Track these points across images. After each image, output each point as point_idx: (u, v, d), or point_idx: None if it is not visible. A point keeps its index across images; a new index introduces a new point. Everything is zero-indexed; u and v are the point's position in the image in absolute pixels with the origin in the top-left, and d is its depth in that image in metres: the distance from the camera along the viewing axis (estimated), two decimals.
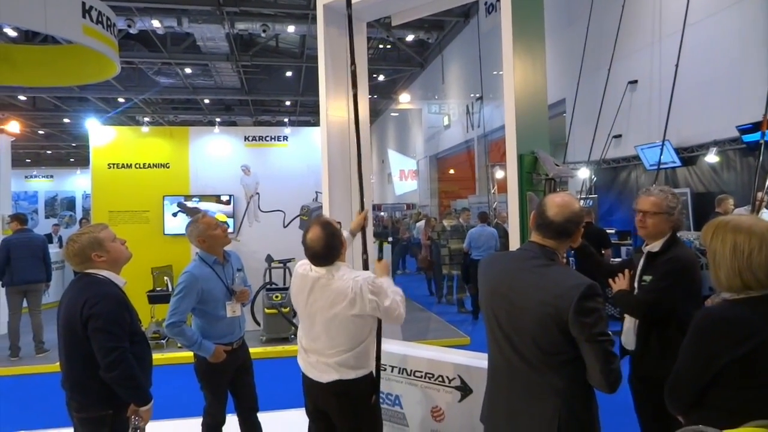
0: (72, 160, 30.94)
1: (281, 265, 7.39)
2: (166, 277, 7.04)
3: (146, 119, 22.58)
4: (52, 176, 17.15)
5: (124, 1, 12.42)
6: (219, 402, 3.24)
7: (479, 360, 3.08)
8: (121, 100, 20.52)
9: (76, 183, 16.86)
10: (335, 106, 3.69)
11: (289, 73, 19.91)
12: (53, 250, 8.98)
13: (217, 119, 22.22)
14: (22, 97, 19.86)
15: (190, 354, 3.23)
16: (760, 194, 6.08)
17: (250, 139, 8.23)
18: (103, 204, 7.70)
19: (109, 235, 2.53)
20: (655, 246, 2.58)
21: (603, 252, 6.43)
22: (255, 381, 3.42)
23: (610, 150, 9.82)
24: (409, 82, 21.77)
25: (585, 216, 2.06)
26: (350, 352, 2.44)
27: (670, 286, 2.44)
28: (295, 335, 6.63)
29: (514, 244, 2.83)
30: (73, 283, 2.52)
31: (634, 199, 2.80)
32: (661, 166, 8.41)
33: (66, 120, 23.16)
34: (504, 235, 8.44)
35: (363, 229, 3.12)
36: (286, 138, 8.29)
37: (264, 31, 14.39)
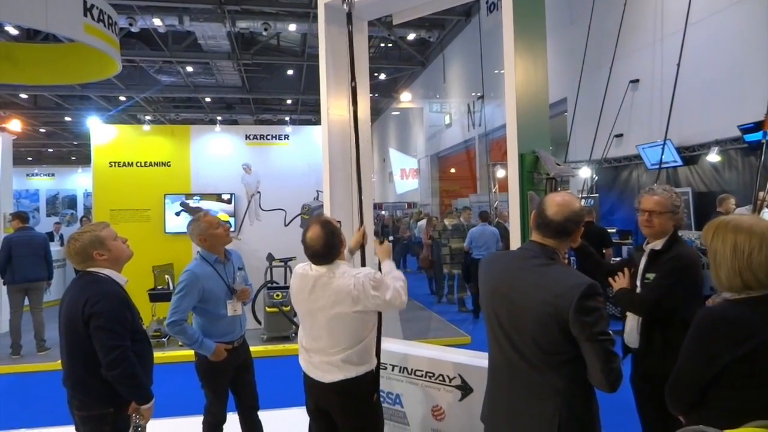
0: (73, 158, 30.98)
1: (282, 263, 7.40)
2: (167, 276, 7.05)
3: (147, 118, 22.68)
4: (53, 174, 17.14)
5: None
6: (220, 400, 3.25)
7: (480, 359, 3.07)
8: (122, 98, 20.54)
9: (78, 181, 16.86)
10: (336, 104, 3.68)
11: (290, 72, 19.91)
12: (54, 248, 8.98)
13: (219, 118, 22.24)
14: (23, 96, 19.88)
15: (191, 352, 3.23)
16: (761, 194, 6.07)
17: (251, 137, 8.24)
18: (105, 202, 7.71)
19: (110, 234, 2.53)
20: (657, 244, 2.59)
21: (604, 251, 6.42)
22: (256, 379, 3.42)
23: (612, 149, 9.81)
24: (410, 80, 21.76)
25: (585, 215, 2.06)
26: (353, 349, 2.45)
27: (674, 284, 2.46)
28: (296, 334, 6.64)
29: (515, 243, 2.82)
30: (75, 281, 2.53)
31: (635, 198, 2.80)
32: (663, 166, 8.40)
33: (67, 118, 23.18)
34: (505, 234, 8.44)
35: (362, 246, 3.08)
36: (287, 137, 8.29)
37: (265, 29, 14.39)
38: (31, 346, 6.73)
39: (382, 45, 18.43)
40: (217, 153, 8.11)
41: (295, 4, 14.20)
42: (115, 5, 7.22)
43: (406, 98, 20.73)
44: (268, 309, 6.99)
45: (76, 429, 2.51)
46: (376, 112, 26.33)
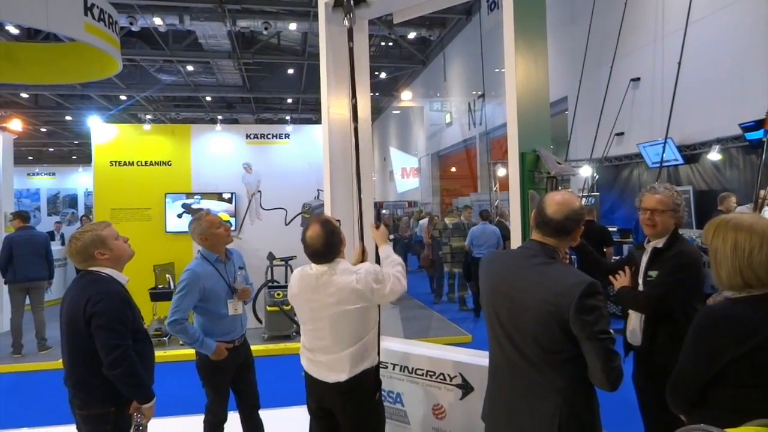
0: (74, 157, 30.98)
1: (283, 262, 7.40)
2: (168, 275, 7.06)
3: (148, 117, 22.73)
4: (54, 174, 17.17)
5: None
6: (221, 399, 3.25)
7: (480, 358, 3.07)
8: (123, 97, 20.53)
9: (78, 180, 16.88)
10: (337, 104, 3.68)
11: (290, 71, 19.90)
12: (55, 247, 8.99)
13: (219, 117, 22.25)
14: (24, 95, 19.89)
15: (192, 351, 3.23)
16: (762, 192, 6.06)
17: (252, 136, 8.24)
18: (105, 201, 7.72)
19: (111, 233, 2.54)
20: (659, 242, 2.60)
21: (605, 250, 6.42)
22: (257, 378, 3.43)
23: (613, 148, 9.80)
24: (410, 79, 21.74)
25: (586, 214, 2.06)
26: (357, 345, 2.46)
27: (677, 281, 2.47)
28: (297, 333, 6.65)
29: (516, 242, 2.82)
30: (76, 280, 2.53)
31: (636, 197, 2.80)
32: (664, 164, 8.40)
33: (68, 117, 23.19)
34: (506, 233, 8.43)
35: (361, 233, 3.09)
36: (287, 136, 8.29)
37: (266, 28, 14.39)
38: (32, 345, 6.74)
39: (383, 44, 18.42)
40: (218, 152, 8.12)
41: (295, 3, 14.19)
42: (116, 4, 7.21)
43: (406, 97, 20.71)
44: (268, 308, 7.00)
45: (78, 428, 2.51)
46: (377, 110, 26.32)
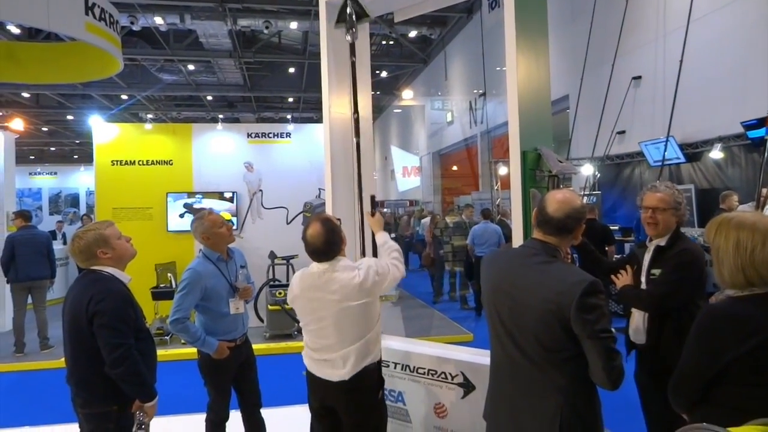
0: (76, 156, 31.02)
1: (284, 261, 7.40)
2: (169, 274, 7.06)
3: (149, 116, 22.76)
4: (55, 173, 17.18)
5: None
6: (222, 398, 3.25)
7: (482, 357, 3.08)
8: (124, 97, 20.54)
9: (80, 180, 16.89)
10: (338, 102, 3.68)
11: (291, 70, 19.90)
12: (57, 246, 9.01)
13: (220, 116, 22.28)
14: (25, 95, 19.92)
15: (194, 350, 3.24)
16: (764, 190, 6.04)
17: (253, 135, 8.24)
18: (107, 201, 7.73)
19: (114, 233, 2.54)
20: (662, 240, 2.61)
21: (606, 249, 6.42)
22: (258, 377, 3.43)
23: (614, 146, 9.79)
24: (411, 78, 21.73)
25: (587, 212, 2.06)
26: (361, 341, 2.47)
27: (681, 279, 2.47)
28: (299, 331, 6.65)
29: (518, 241, 2.82)
30: (79, 279, 2.54)
31: (637, 195, 2.80)
32: (665, 163, 8.39)
33: (69, 117, 23.21)
34: (507, 232, 8.43)
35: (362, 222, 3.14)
36: (288, 135, 8.29)
37: (266, 27, 14.39)
38: (34, 344, 6.75)
39: (384, 42, 18.40)
40: (219, 151, 8.12)
41: (296, 1, 14.18)
42: (117, 4, 7.22)
43: (407, 96, 20.71)
44: (270, 307, 7.00)
45: (80, 426, 2.52)
46: (378, 109, 26.31)
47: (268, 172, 8.10)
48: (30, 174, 16.73)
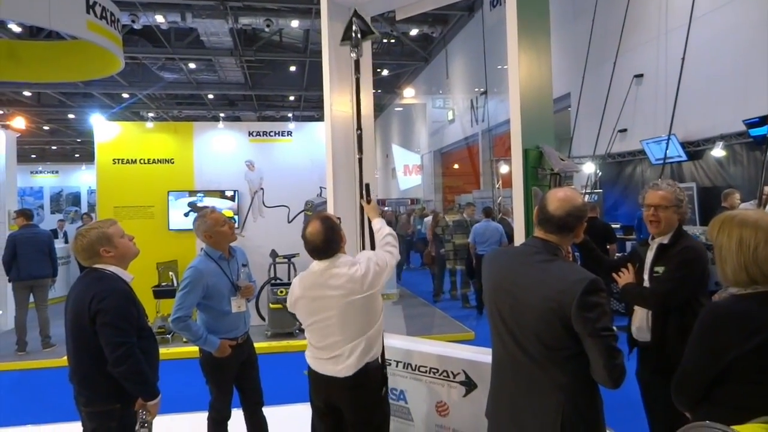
0: (77, 155, 31.06)
1: (286, 260, 7.40)
2: (171, 273, 7.07)
3: (150, 115, 22.76)
4: (57, 172, 17.22)
5: None
6: (224, 396, 3.26)
7: (484, 355, 3.08)
8: (125, 95, 20.56)
9: (81, 178, 16.92)
10: (339, 101, 3.68)
11: (292, 68, 19.88)
12: (59, 245, 9.03)
13: (221, 114, 22.27)
14: (27, 93, 19.92)
15: (196, 349, 3.24)
16: (766, 188, 6.04)
17: (255, 134, 8.24)
18: (109, 199, 7.73)
19: (117, 231, 2.54)
20: (664, 238, 2.61)
21: (608, 247, 6.41)
22: (260, 376, 3.43)
23: (616, 144, 9.78)
24: (413, 76, 21.71)
25: (588, 211, 2.06)
26: (365, 335, 2.48)
27: (685, 276, 2.48)
28: (300, 330, 6.65)
29: (519, 239, 2.82)
30: (81, 278, 2.54)
31: (639, 193, 2.80)
32: (667, 161, 8.37)
33: (71, 115, 23.22)
34: (509, 230, 8.42)
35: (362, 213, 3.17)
36: (290, 133, 8.29)
37: (268, 25, 14.38)
38: (36, 342, 6.76)
39: (385, 41, 18.39)
40: (220, 150, 8.12)
41: (297, 0, 14.18)
42: (118, 2, 7.21)
43: (409, 94, 20.69)
44: (271, 305, 7.00)
45: (83, 425, 2.52)
46: (379, 108, 26.29)
47: (270, 170, 8.10)
48: (31, 173, 16.76)
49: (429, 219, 12.59)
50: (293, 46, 18.14)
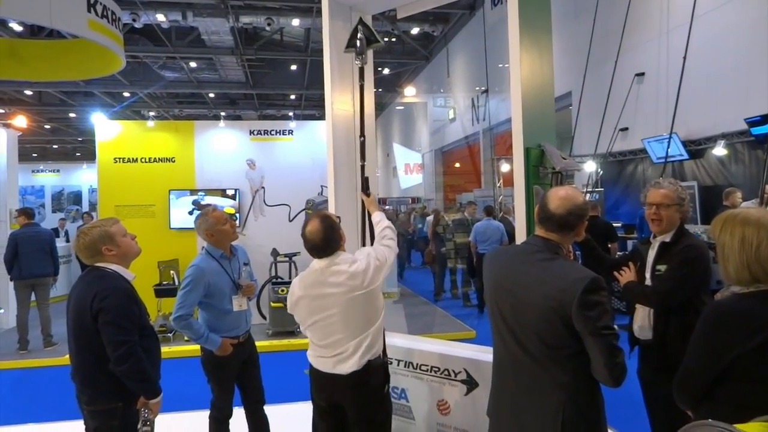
0: (78, 154, 31.08)
1: (287, 259, 7.41)
2: (172, 271, 7.07)
3: (151, 113, 22.75)
4: (58, 171, 17.22)
5: None
6: (226, 395, 3.26)
7: (485, 354, 3.07)
8: (126, 94, 20.57)
9: (83, 177, 16.93)
10: (340, 99, 3.67)
11: (293, 67, 19.88)
12: (60, 244, 9.05)
13: (222, 113, 22.26)
14: (28, 92, 19.94)
15: (197, 347, 3.25)
16: None
17: (256, 133, 8.24)
18: (110, 198, 7.74)
19: (120, 230, 2.55)
20: (666, 237, 2.61)
21: (609, 246, 6.41)
22: (261, 374, 3.44)
23: (617, 143, 9.77)
24: (414, 75, 21.70)
25: (589, 209, 2.06)
26: (367, 332, 2.48)
27: (687, 274, 2.48)
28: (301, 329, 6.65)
29: (521, 237, 2.82)
30: (83, 276, 2.54)
31: (640, 192, 2.80)
32: (669, 159, 8.36)
33: (72, 114, 23.24)
34: (510, 229, 8.42)
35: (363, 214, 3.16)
36: (291, 132, 8.29)
37: (269, 24, 14.37)
38: (38, 341, 6.78)
39: (386, 39, 18.37)
40: (221, 149, 8.13)
41: None
42: (119, 1, 7.20)
43: (410, 93, 20.68)
44: (273, 304, 7.01)
45: (85, 423, 2.53)
46: (380, 106, 26.28)
47: (271, 169, 8.11)
48: (33, 172, 16.77)
49: (430, 218, 12.59)
50: (294, 44, 18.13)
